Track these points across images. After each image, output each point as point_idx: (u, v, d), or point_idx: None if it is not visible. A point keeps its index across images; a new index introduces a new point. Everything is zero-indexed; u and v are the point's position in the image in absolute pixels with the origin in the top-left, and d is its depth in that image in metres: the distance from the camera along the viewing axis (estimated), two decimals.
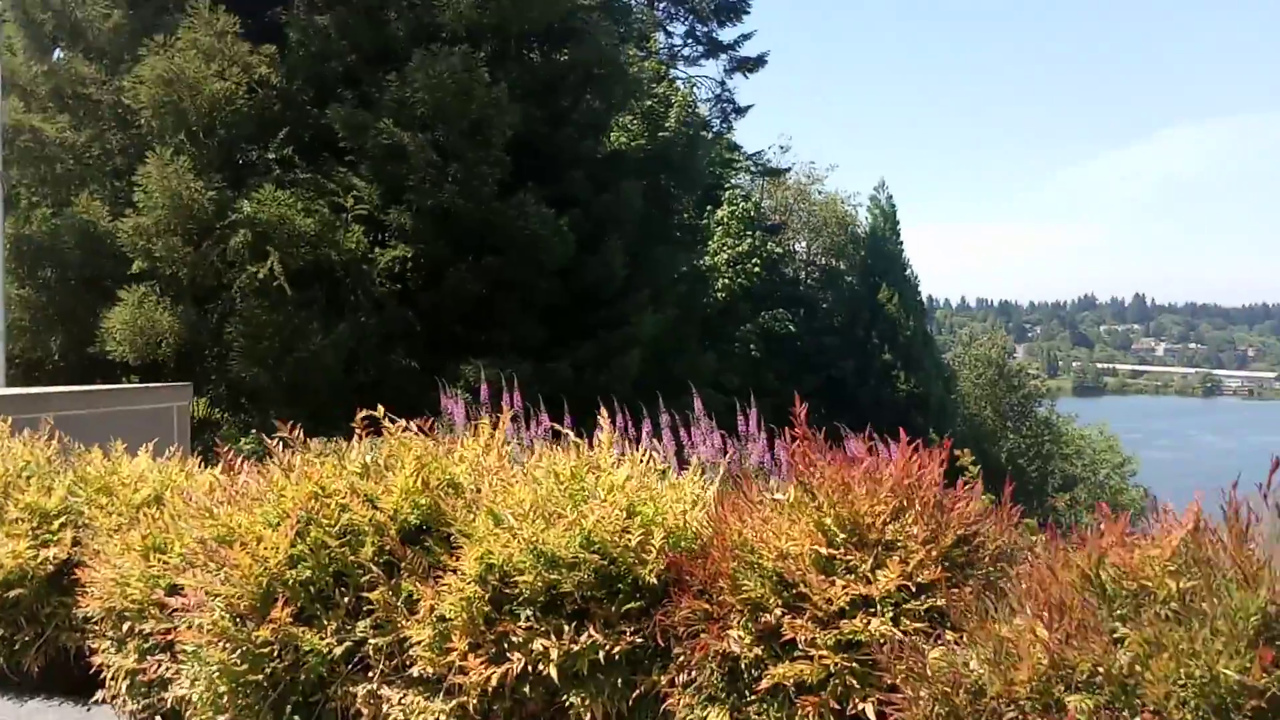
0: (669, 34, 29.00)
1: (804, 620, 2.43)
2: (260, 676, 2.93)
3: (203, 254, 11.56)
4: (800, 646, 2.41)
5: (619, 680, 2.68)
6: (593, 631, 2.68)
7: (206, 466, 4.25)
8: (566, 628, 2.71)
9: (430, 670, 2.81)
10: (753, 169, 30.12)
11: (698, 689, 2.57)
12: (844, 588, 2.42)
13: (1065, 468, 35.02)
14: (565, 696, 2.68)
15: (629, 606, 2.72)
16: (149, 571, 3.32)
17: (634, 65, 18.02)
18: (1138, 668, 1.91)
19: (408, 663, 2.86)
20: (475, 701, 2.74)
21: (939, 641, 2.29)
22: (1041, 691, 1.99)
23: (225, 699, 2.97)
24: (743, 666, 2.50)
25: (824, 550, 2.51)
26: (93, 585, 3.47)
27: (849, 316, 29.42)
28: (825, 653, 2.37)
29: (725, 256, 24.73)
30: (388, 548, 2.99)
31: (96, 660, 3.57)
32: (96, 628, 3.56)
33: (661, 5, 28.64)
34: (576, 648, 2.67)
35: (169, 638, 3.19)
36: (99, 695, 3.58)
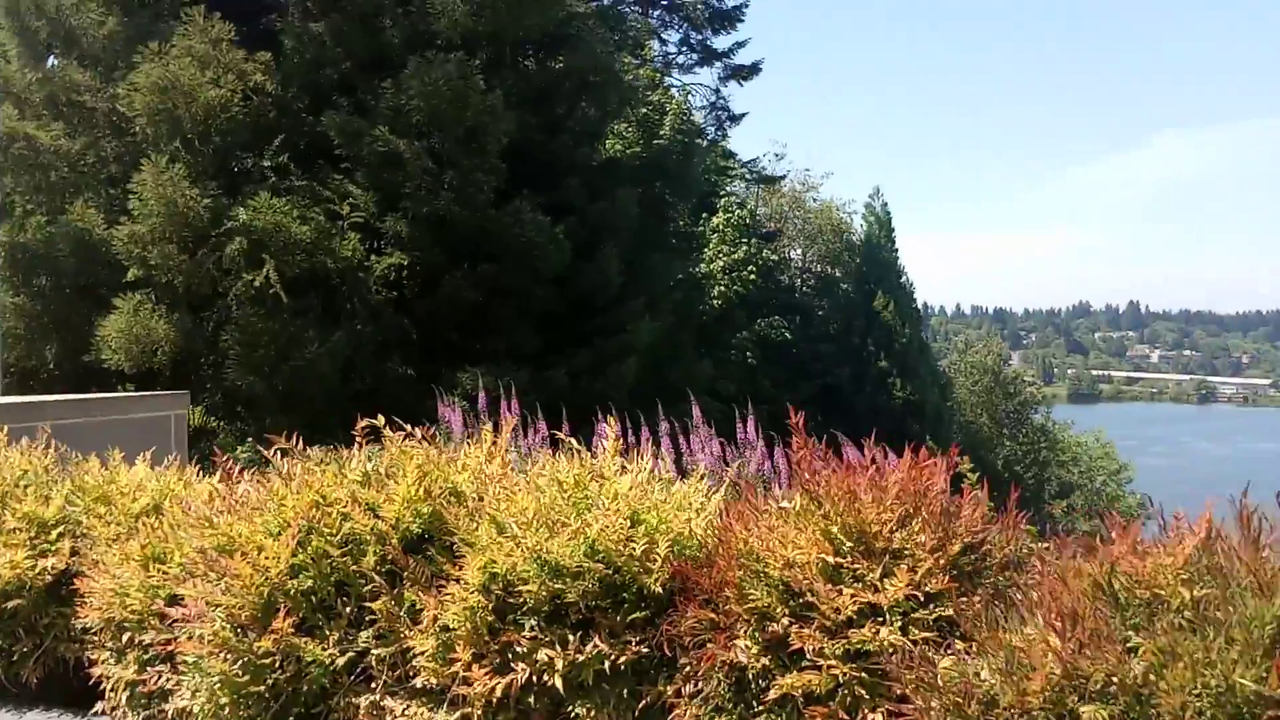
0: (663, 42, 29.07)
1: (812, 630, 2.41)
2: (262, 688, 2.90)
3: (198, 262, 11.52)
4: (808, 656, 2.40)
5: (625, 691, 2.66)
6: (598, 641, 2.66)
7: (204, 475, 4.22)
8: (571, 638, 2.69)
9: (434, 681, 2.79)
10: (748, 176, 30.17)
11: (705, 699, 2.54)
12: (852, 597, 2.40)
13: (1062, 475, 35.06)
14: (571, 707, 2.66)
15: (634, 616, 2.70)
16: (148, 581, 3.29)
17: (629, 73, 18.04)
18: (1152, 677, 1.89)
19: (411, 673, 2.84)
20: (479, 713, 2.72)
21: (949, 651, 2.27)
22: (1055, 702, 1.97)
23: (227, 710, 2.95)
24: (750, 677, 2.48)
25: (831, 559, 2.50)
26: (92, 596, 3.44)
27: (844, 324, 29.45)
28: (834, 662, 2.35)
29: (721, 264, 24.74)
30: (390, 557, 2.97)
31: (96, 671, 3.54)
32: (96, 638, 3.53)
33: (656, 13, 28.70)
34: (582, 658, 2.65)
35: (169, 648, 3.16)
36: (99, 707, 3.55)
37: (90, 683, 3.58)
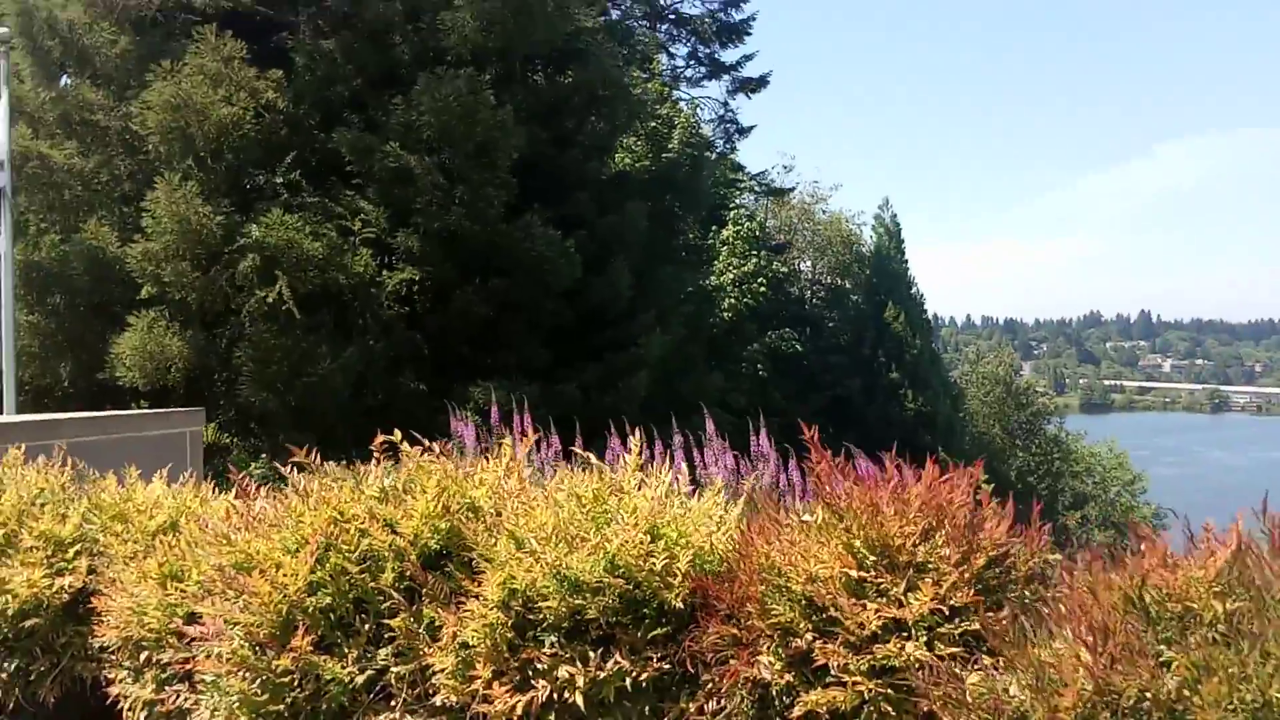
0: (671, 56, 29.18)
1: (836, 645, 2.39)
2: (281, 706, 2.88)
3: (211, 278, 11.57)
4: (833, 672, 2.37)
5: (646, 708, 2.63)
6: (619, 658, 2.64)
7: (220, 492, 4.22)
8: (592, 654, 2.66)
9: (454, 699, 2.77)
10: (757, 189, 30.20)
11: (728, 717, 2.52)
12: (876, 611, 2.38)
13: (1075, 485, 34.89)
14: None
15: (655, 632, 2.67)
16: (166, 600, 3.28)
17: (638, 87, 18.10)
18: (1186, 692, 1.86)
19: (430, 691, 2.82)
20: None
21: (976, 666, 2.24)
22: (1087, 718, 1.94)
23: None
24: (774, 693, 2.45)
25: (854, 573, 2.47)
26: (109, 614, 3.43)
27: (855, 335, 29.42)
28: (859, 678, 2.32)
29: (731, 276, 24.75)
30: (408, 573, 2.95)
31: (113, 691, 3.52)
32: (113, 657, 3.52)
33: (664, 27, 28.81)
34: (603, 674, 2.62)
35: (188, 667, 3.14)
36: None
37: (107, 702, 3.57)
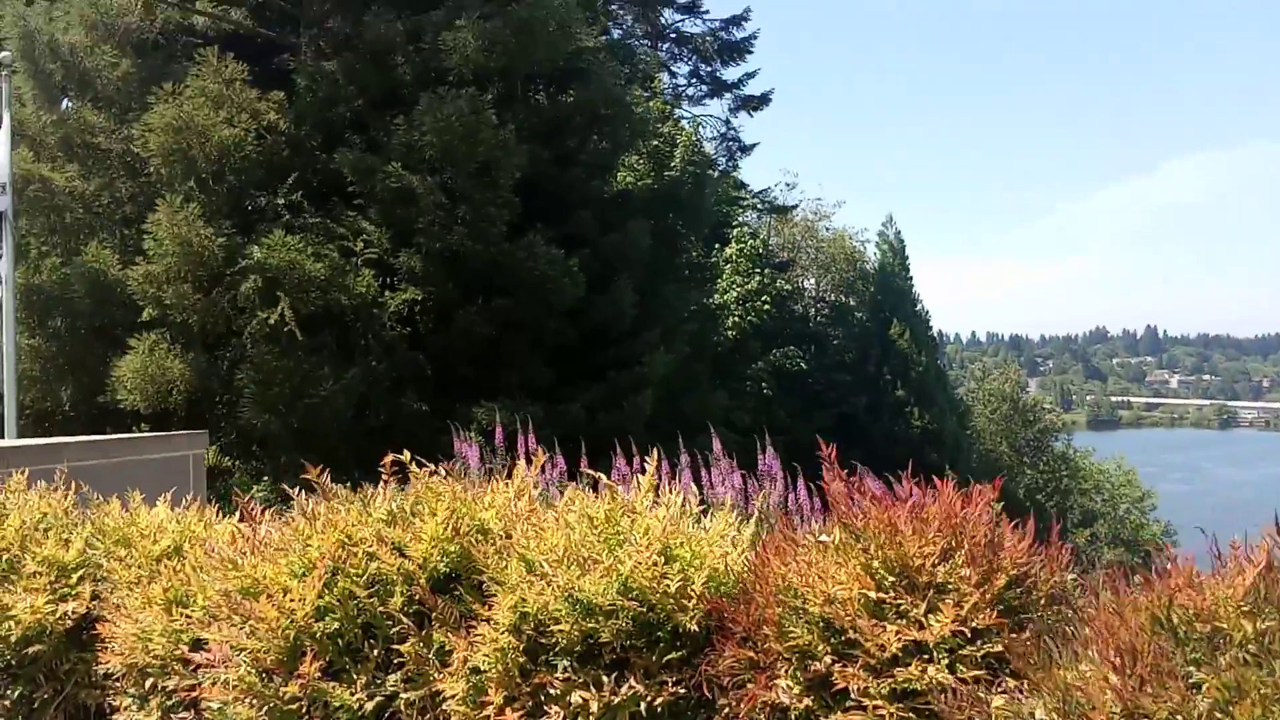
0: (673, 74, 29.31)
1: (856, 668, 2.34)
2: None
3: (213, 300, 11.56)
4: (853, 696, 2.32)
5: None
6: (633, 682, 2.59)
7: (223, 515, 4.17)
8: (606, 678, 2.61)
9: None
10: (759, 206, 30.26)
11: None
12: (897, 633, 2.33)
13: (1084, 503, 34.78)
14: None
15: (670, 655, 2.62)
16: (171, 625, 3.23)
17: (639, 106, 18.13)
18: (1219, 714, 1.81)
19: (441, 718, 2.77)
20: None
21: (1000, 690, 2.19)
22: None
23: None
24: (792, 718, 2.40)
25: (873, 594, 2.42)
26: (113, 640, 3.38)
27: (860, 353, 29.38)
28: (880, 702, 2.27)
29: (734, 294, 24.76)
30: (417, 597, 2.91)
31: (118, 718, 3.47)
32: (118, 684, 3.46)
33: (665, 46, 28.93)
34: (617, 699, 2.57)
35: (194, 694, 3.09)
36: None
37: None
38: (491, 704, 2.67)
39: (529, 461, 3.63)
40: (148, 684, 3.31)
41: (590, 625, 2.65)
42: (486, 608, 2.81)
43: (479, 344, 12.65)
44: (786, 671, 2.45)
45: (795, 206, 32.23)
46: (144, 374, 11.45)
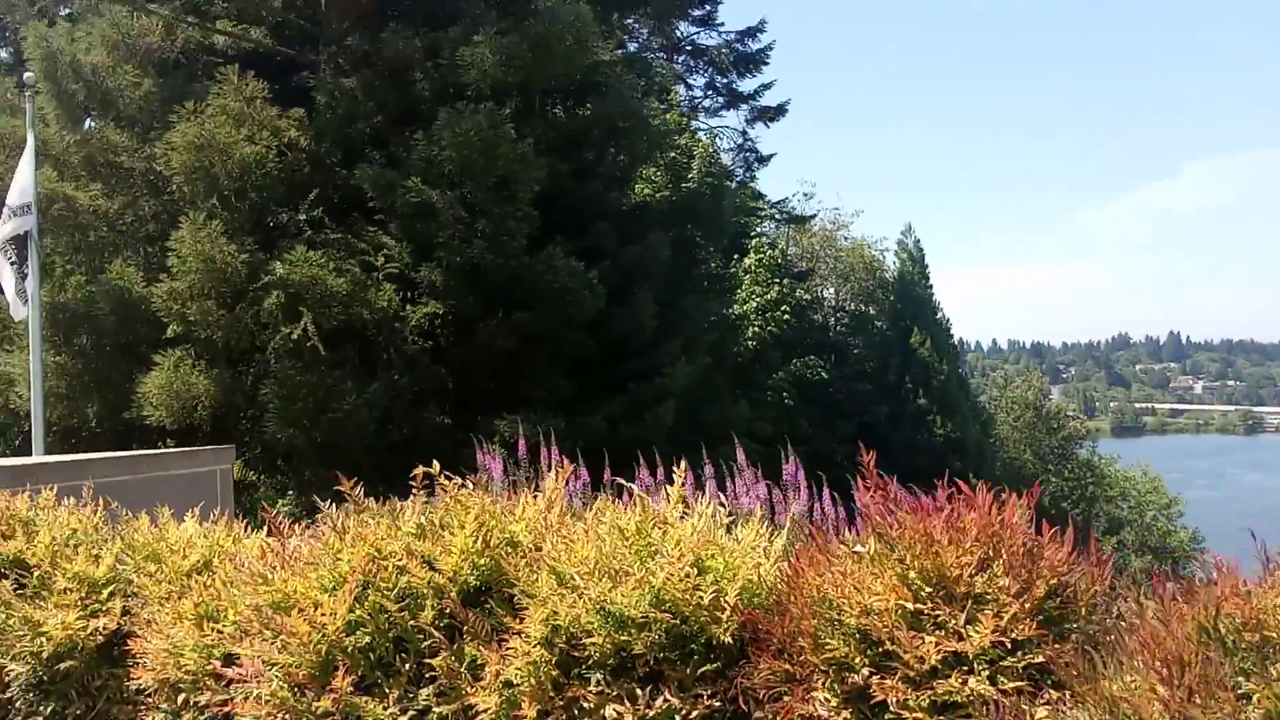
0: (689, 87, 29.34)
1: (895, 680, 2.31)
2: None
3: (236, 316, 11.63)
4: (892, 709, 2.29)
5: None
6: (668, 695, 2.56)
7: (251, 530, 4.18)
8: (640, 691, 2.59)
9: None
10: (778, 216, 30.22)
11: None
12: (936, 645, 2.30)
13: (1111, 510, 34.48)
14: None
15: (704, 668, 2.60)
16: (203, 641, 3.23)
17: (656, 118, 18.16)
18: None
19: None
20: None
21: (1042, 701, 2.16)
22: None
23: None
24: None
25: (910, 605, 2.39)
26: (145, 656, 3.38)
27: (880, 362, 29.27)
28: (920, 715, 2.24)
29: (754, 304, 24.73)
30: (448, 611, 2.89)
31: None
32: (149, 700, 3.46)
33: (681, 58, 28.99)
34: (651, 713, 2.55)
35: (226, 710, 3.09)
36: None
37: None
38: (525, 717, 2.65)
39: (568, 473, 3.62)
40: (180, 699, 3.31)
41: (623, 638, 2.63)
42: (518, 620, 2.80)
43: (500, 357, 12.67)
44: (823, 684, 2.42)
45: (813, 216, 32.23)
46: (169, 390, 11.52)
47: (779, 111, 29.73)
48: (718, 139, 26.79)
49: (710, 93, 29.75)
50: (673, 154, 19.65)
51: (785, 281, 26.35)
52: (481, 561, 2.97)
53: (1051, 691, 2.18)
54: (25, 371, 11.17)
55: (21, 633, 3.78)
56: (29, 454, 10.29)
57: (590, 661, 2.66)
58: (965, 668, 2.29)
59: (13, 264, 10.69)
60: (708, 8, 28.90)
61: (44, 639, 3.70)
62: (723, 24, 29.38)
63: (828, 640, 2.43)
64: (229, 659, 3.14)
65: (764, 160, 30.30)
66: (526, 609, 2.80)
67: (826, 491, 4.67)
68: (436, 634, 2.86)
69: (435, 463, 3.26)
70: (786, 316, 25.30)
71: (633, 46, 25.64)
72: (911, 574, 2.44)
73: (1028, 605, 2.35)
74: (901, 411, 27.80)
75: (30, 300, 10.61)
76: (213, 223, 11.67)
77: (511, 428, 10.73)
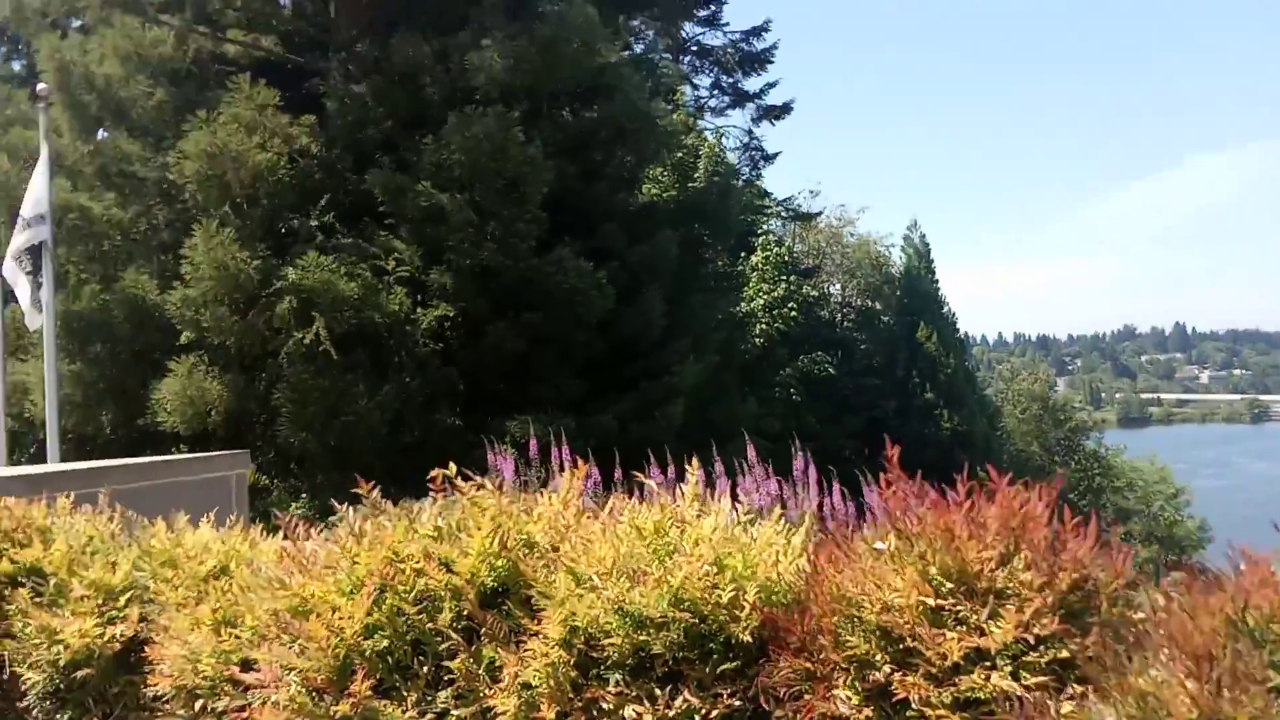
0: (695, 86, 29.31)
1: (916, 677, 2.29)
2: None
3: (249, 322, 11.68)
4: (914, 706, 2.27)
5: None
6: (687, 695, 2.55)
7: (267, 534, 4.18)
8: (659, 691, 2.57)
9: None
10: (784, 214, 30.18)
11: None
12: (958, 641, 2.28)
13: (1118, 501, 34.36)
14: None
15: (724, 667, 2.58)
16: (220, 646, 3.23)
17: (663, 118, 18.13)
18: None
19: None
20: None
21: (1066, 696, 2.14)
22: None
23: None
24: None
25: (931, 601, 2.37)
26: (162, 662, 3.38)
27: (887, 357, 29.20)
28: (943, 711, 2.22)
29: (761, 302, 24.69)
30: (466, 613, 2.88)
31: None
32: (167, 706, 3.46)
33: (686, 59, 28.96)
34: (671, 713, 2.53)
35: (244, 715, 3.08)
36: None
37: None
38: (543, 719, 2.64)
39: (583, 473, 3.60)
40: (197, 705, 3.31)
41: (642, 638, 2.61)
42: (536, 622, 2.79)
43: (510, 358, 12.69)
44: (844, 682, 2.40)
45: (819, 213, 32.17)
46: (183, 396, 11.57)
47: (784, 110, 29.69)
48: (724, 138, 26.77)
49: (716, 92, 29.74)
50: (679, 154, 19.65)
51: (792, 278, 26.32)
52: (499, 563, 2.96)
53: (1075, 686, 2.15)
54: (40, 380, 11.22)
55: (38, 641, 3.79)
56: (44, 462, 10.34)
57: (609, 662, 2.65)
58: (988, 664, 2.27)
59: (28, 274, 10.75)
60: (713, 8, 28.88)
61: (61, 647, 3.71)
62: (728, 24, 29.36)
63: (848, 638, 2.41)
64: (247, 664, 3.13)
65: (769, 158, 30.27)
66: (544, 610, 2.79)
67: (836, 487, 4.65)
68: (454, 636, 2.85)
69: (437, 466, 3.25)
70: (794, 313, 25.27)
71: (639, 47, 25.63)
72: (932, 570, 2.43)
73: (1050, 599, 2.33)
74: (909, 406, 27.72)
75: (45, 309, 10.66)
76: (225, 230, 11.71)
77: (522, 428, 10.73)
